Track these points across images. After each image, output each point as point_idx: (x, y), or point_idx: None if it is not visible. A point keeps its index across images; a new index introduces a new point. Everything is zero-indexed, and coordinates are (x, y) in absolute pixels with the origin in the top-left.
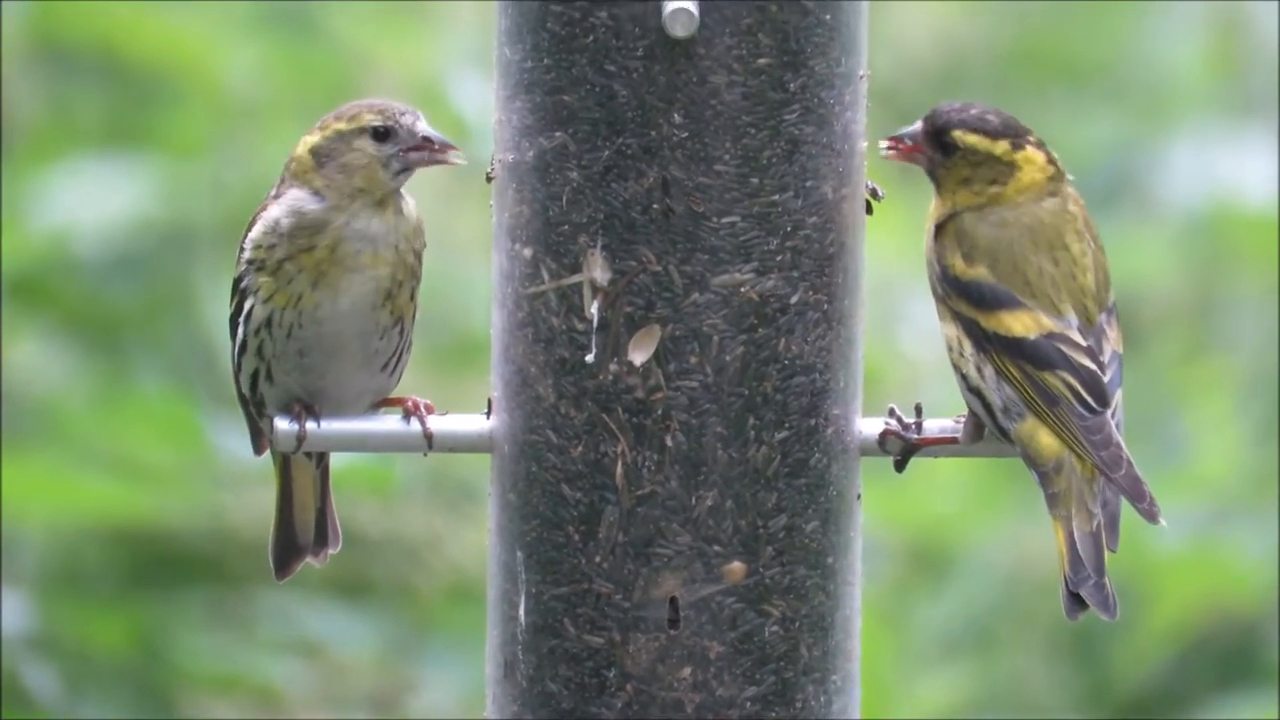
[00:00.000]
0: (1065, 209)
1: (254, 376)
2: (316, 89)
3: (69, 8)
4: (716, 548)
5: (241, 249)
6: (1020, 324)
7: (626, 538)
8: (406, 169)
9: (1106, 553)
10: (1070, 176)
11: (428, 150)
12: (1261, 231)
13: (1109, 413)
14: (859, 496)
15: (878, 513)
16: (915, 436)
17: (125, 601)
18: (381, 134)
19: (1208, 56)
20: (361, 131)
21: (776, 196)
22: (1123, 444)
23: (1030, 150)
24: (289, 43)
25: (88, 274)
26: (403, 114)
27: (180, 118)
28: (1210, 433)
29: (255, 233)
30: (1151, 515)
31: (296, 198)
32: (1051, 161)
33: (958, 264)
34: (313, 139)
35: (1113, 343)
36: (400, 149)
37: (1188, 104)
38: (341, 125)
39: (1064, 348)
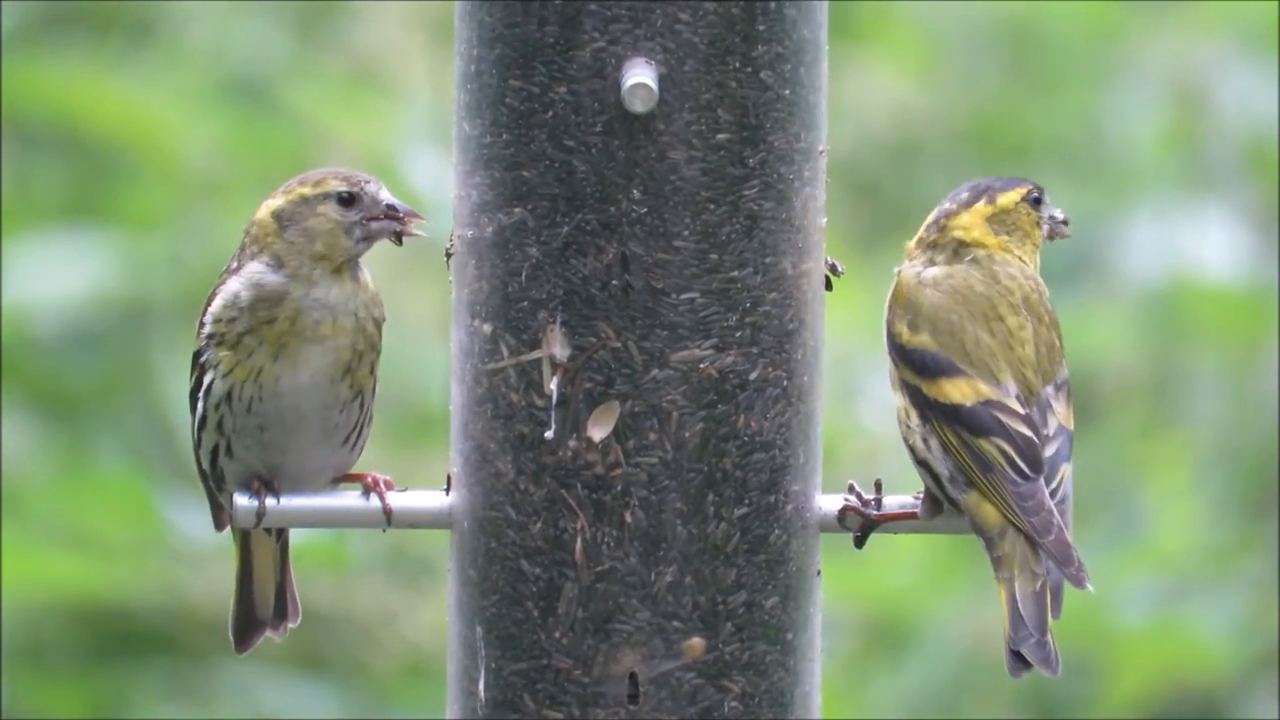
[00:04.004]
0: (997, 282)
1: (214, 452)
2: (275, 164)
3: (30, 82)
4: (676, 623)
5: (201, 323)
6: (959, 391)
7: (586, 613)
8: (368, 238)
9: (1058, 619)
10: (995, 255)
11: (391, 219)
12: (1220, 306)
13: (1042, 479)
14: (819, 572)
15: (837, 588)
16: (875, 513)
17: (86, 675)
18: (346, 200)
19: (1167, 131)
20: (326, 197)
21: (736, 272)
22: (1055, 510)
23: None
24: (247, 118)
25: (47, 349)
26: (367, 182)
27: (139, 193)
28: (1169, 507)
29: (215, 306)
30: (1078, 580)
31: (255, 270)
32: (927, 227)
33: (904, 331)
34: (276, 203)
35: (1060, 417)
36: (364, 216)
37: (1147, 179)
38: (306, 190)
39: (1000, 415)
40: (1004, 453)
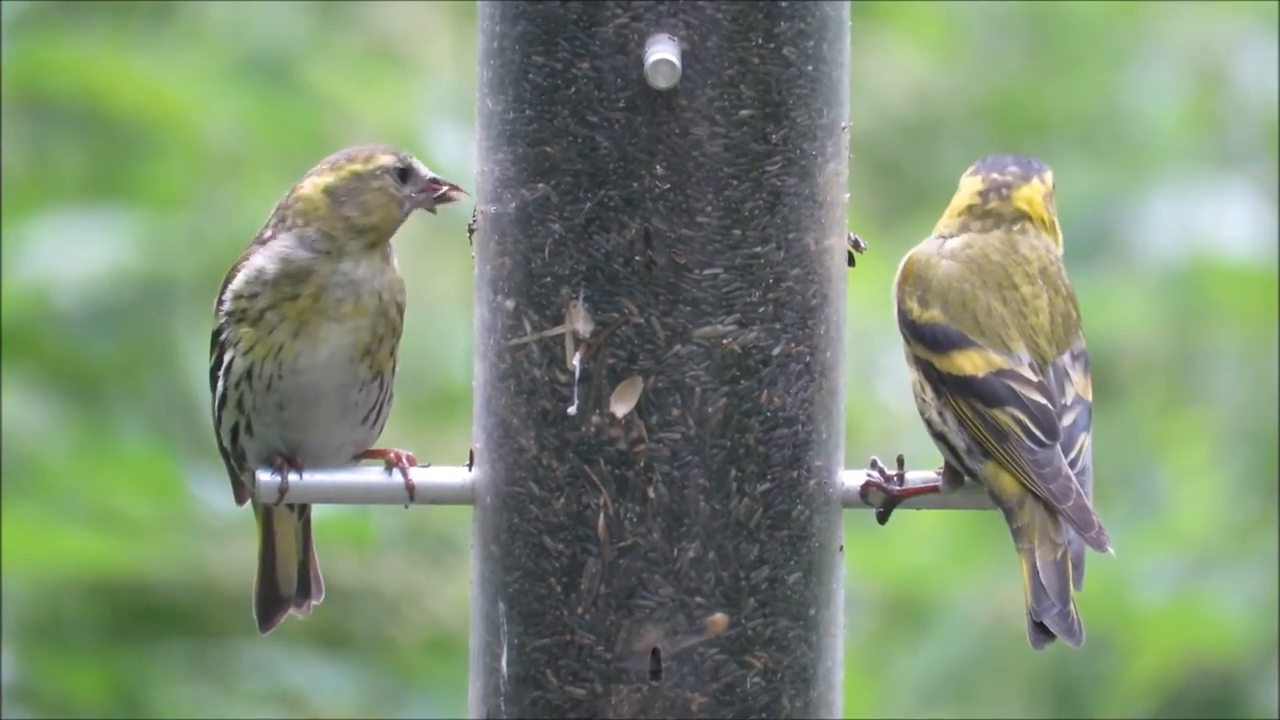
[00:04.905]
0: (1015, 250)
1: (234, 430)
2: (296, 142)
3: (51, 60)
4: (699, 599)
5: (221, 300)
6: (970, 363)
7: (608, 589)
8: (411, 209)
9: (1080, 590)
10: (1032, 229)
11: (435, 190)
12: (1240, 283)
13: (1059, 446)
14: (841, 548)
15: (859, 564)
16: (897, 488)
17: (106, 653)
18: (403, 174)
19: (1187, 108)
20: (384, 171)
21: (759, 248)
22: (1073, 477)
23: (969, 178)
24: (268, 96)
25: (68, 326)
26: (410, 157)
27: (160, 170)
28: (1189, 484)
29: (237, 282)
30: (1099, 544)
31: (285, 245)
32: (983, 194)
33: (914, 308)
34: (325, 180)
35: (1078, 387)
36: (413, 190)
37: (1167, 156)
38: (358, 167)
39: (1013, 384)
40: (1019, 421)
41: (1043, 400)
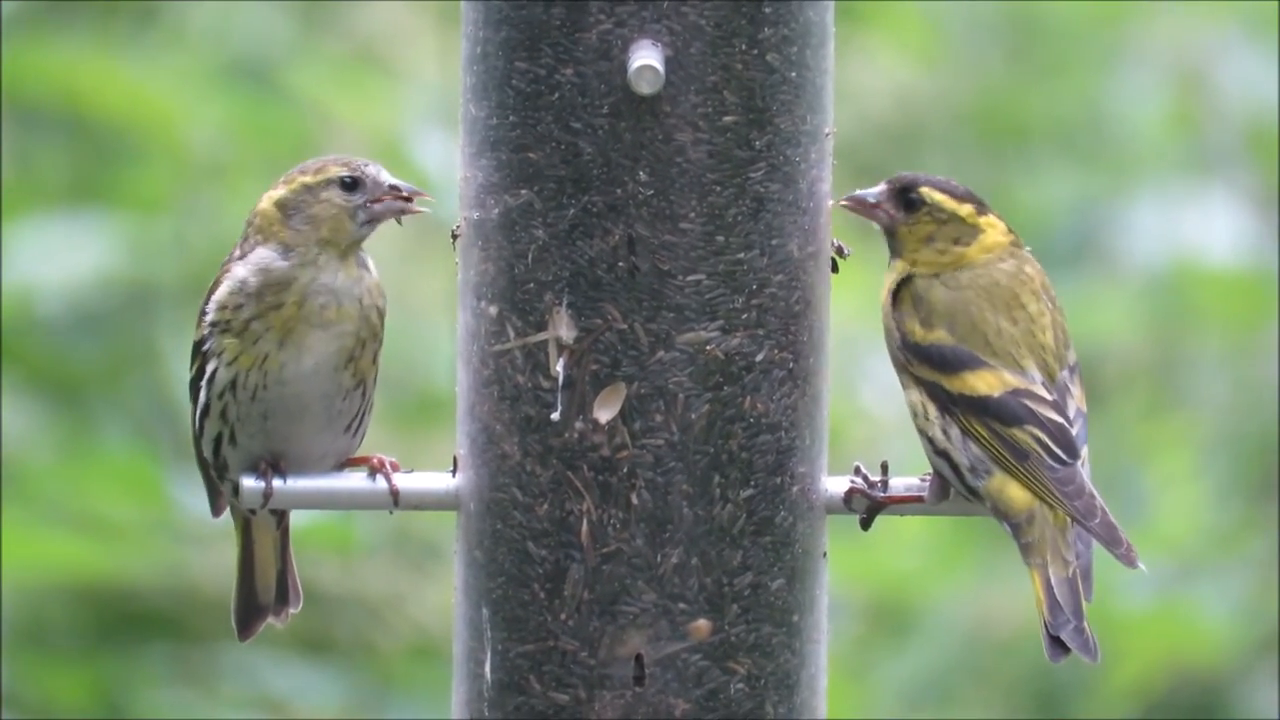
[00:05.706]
0: (1021, 270)
1: (217, 440)
2: (279, 147)
3: (34, 64)
4: (682, 605)
5: (204, 312)
6: (984, 383)
7: (592, 595)
8: (372, 220)
9: (1091, 602)
10: (1028, 246)
11: (394, 199)
12: (1223, 289)
13: (1079, 463)
14: (825, 554)
15: (843, 570)
16: (881, 495)
17: (88, 658)
18: (349, 184)
19: (1169, 115)
20: (329, 183)
21: (742, 254)
22: (1096, 493)
23: (992, 217)
24: (252, 101)
25: (51, 331)
26: (367, 165)
27: (144, 175)
28: (1172, 490)
29: (220, 294)
30: (1129, 560)
31: (263, 256)
32: (1010, 230)
33: (916, 330)
34: (278, 193)
35: (1077, 400)
36: (367, 199)
37: (1150, 162)
38: (308, 179)
39: (1030, 403)
40: (1039, 440)
41: (1059, 418)
